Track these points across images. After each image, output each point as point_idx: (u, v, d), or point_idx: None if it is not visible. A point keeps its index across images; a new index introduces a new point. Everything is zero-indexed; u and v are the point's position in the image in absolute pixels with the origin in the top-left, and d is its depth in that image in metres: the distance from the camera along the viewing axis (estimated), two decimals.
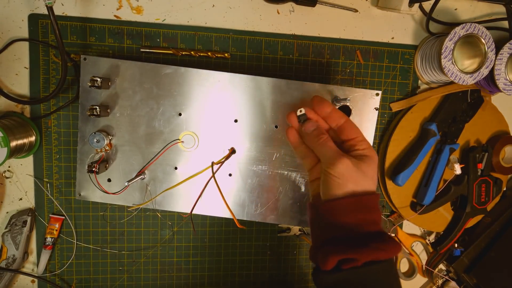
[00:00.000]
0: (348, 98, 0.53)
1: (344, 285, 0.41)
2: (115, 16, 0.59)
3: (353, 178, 0.42)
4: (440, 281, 0.75)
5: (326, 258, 0.41)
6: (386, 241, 0.41)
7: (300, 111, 0.48)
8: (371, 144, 0.56)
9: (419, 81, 0.68)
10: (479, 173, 0.68)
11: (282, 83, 0.54)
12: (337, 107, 0.55)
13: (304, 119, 0.48)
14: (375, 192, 0.43)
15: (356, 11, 0.64)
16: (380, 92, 0.56)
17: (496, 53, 0.61)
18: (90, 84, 0.51)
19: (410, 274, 0.74)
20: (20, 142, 0.55)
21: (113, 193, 0.55)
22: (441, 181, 0.67)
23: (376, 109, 0.56)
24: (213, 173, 0.53)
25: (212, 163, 0.53)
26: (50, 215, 0.61)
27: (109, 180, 0.56)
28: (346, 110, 0.56)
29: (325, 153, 0.44)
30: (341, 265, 0.40)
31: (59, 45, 0.52)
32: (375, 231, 0.42)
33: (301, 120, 0.48)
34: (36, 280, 0.62)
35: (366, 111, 0.56)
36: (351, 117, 0.56)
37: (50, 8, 0.49)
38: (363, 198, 0.42)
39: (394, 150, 0.66)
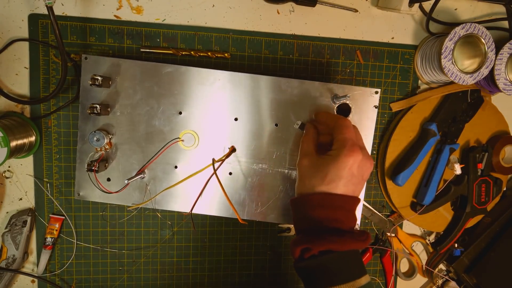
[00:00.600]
0: (348, 96, 0.53)
1: (307, 272, 0.46)
2: (115, 16, 0.59)
3: (309, 176, 0.46)
4: (440, 281, 0.75)
5: (292, 248, 0.46)
6: (342, 236, 0.44)
7: (297, 124, 0.55)
8: (370, 143, 0.57)
9: (419, 81, 0.68)
10: (479, 173, 0.68)
11: (282, 81, 0.54)
12: (336, 105, 0.55)
13: (302, 127, 0.54)
14: (325, 192, 0.45)
15: (356, 11, 0.64)
16: (379, 90, 0.56)
17: (496, 53, 0.61)
18: (91, 82, 0.51)
19: (410, 274, 0.74)
20: (20, 142, 0.55)
21: (113, 192, 0.55)
22: (441, 181, 0.67)
23: (376, 107, 0.56)
24: (215, 170, 0.52)
25: (213, 160, 0.53)
26: (50, 215, 0.61)
27: (108, 179, 0.56)
28: (346, 108, 0.56)
29: (299, 152, 0.50)
30: (304, 254, 0.45)
31: (59, 45, 0.52)
32: (333, 227, 0.45)
33: (301, 128, 0.55)
34: (36, 280, 0.62)
35: (365, 109, 0.56)
36: (350, 115, 0.56)
37: (50, 8, 0.49)
38: (312, 197, 0.45)
39: (394, 150, 0.66)
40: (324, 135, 0.52)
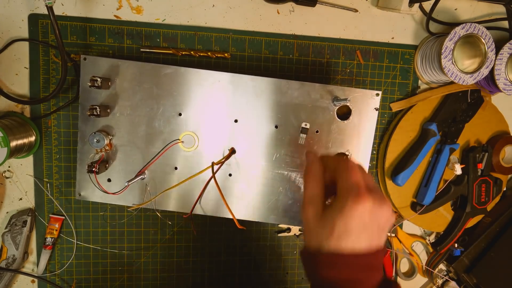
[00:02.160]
0: (348, 98, 0.53)
1: None
2: (115, 16, 0.59)
3: (315, 230, 0.39)
4: (440, 281, 0.75)
5: None
6: None
7: (306, 124, 0.54)
8: (370, 144, 0.56)
9: (419, 81, 0.68)
10: (479, 173, 0.68)
11: (282, 83, 0.54)
12: (337, 107, 0.55)
13: (305, 132, 0.54)
14: (334, 253, 0.37)
15: (356, 11, 0.64)
16: (380, 92, 0.56)
17: (496, 53, 0.61)
18: (90, 84, 0.50)
19: (410, 274, 0.74)
20: (20, 142, 0.55)
21: (113, 193, 0.55)
22: (441, 181, 0.67)
23: (376, 109, 0.56)
24: (213, 174, 0.53)
25: (212, 164, 0.53)
26: (50, 215, 0.61)
27: (109, 180, 0.56)
28: (346, 110, 0.56)
29: (303, 193, 0.42)
30: None
31: (59, 45, 0.52)
32: None
33: (304, 132, 0.54)
34: (36, 280, 0.62)
35: (366, 111, 0.56)
36: (350, 117, 0.56)
37: (50, 8, 0.49)
38: (320, 259, 0.38)
39: (394, 150, 0.66)
40: (328, 173, 0.44)
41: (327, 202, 0.41)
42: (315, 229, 0.39)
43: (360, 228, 0.37)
